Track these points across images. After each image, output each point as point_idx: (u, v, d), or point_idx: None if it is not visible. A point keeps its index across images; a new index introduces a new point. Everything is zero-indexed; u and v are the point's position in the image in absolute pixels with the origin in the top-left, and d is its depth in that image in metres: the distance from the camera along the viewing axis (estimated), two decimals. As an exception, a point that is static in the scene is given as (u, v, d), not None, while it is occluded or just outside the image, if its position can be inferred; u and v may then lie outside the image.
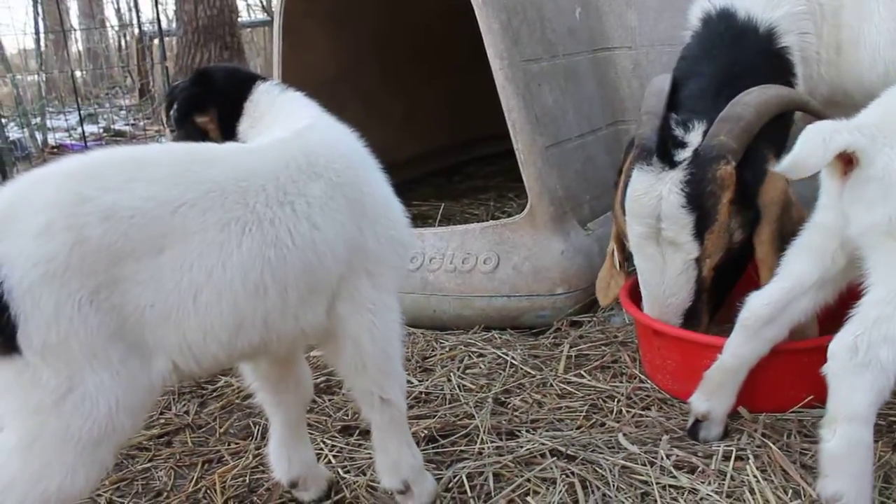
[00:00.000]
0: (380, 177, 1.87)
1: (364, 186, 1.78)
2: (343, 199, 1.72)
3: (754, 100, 2.31)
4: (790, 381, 2.31)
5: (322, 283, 1.70)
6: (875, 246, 1.87)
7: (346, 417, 2.46)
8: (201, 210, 1.55)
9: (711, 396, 2.20)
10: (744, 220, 2.32)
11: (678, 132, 2.35)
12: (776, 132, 2.44)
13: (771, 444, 2.15)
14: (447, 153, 4.82)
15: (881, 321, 1.80)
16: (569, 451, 2.18)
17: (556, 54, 3.14)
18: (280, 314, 1.64)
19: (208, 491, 2.15)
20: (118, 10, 12.19)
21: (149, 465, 2.31)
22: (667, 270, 2.36)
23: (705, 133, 2.31)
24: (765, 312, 2.11)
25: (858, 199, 1.88)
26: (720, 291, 2.46)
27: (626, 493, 2.00)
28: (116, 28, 12.22)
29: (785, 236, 2.33)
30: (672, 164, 2.31)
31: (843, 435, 1.79)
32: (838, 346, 1.83)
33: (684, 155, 2.30)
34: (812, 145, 1.86)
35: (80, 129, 7.61)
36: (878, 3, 2.54)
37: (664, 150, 2.32)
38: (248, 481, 2.17)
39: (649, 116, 2.44)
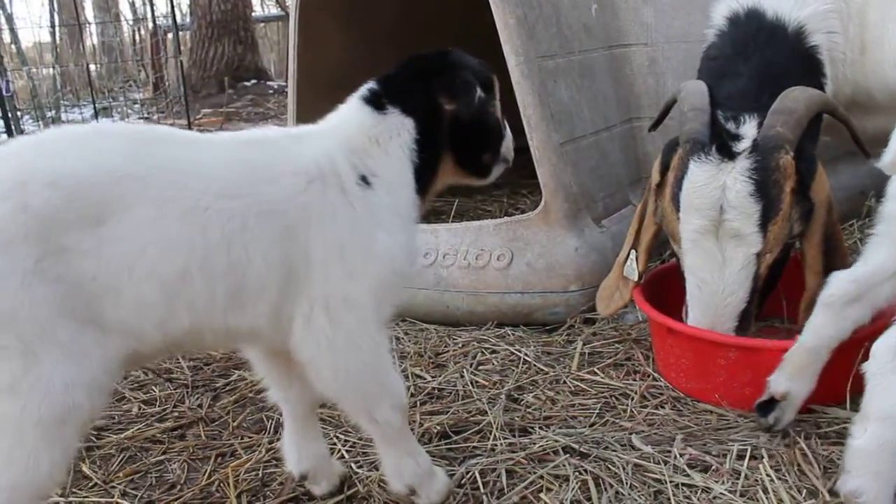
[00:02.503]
0: (378, 201, 1.74)
1: (338, 208, 1.69)
2: (298, 211, 1.65)
3: (801, 95, 2.32)
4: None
5: (252, 289, 1.63)
6: None
7: (358, 412, 2.45)
8: (143, 184, 1.53)
9: (792, 378, 2.15)
10: (801, 213, 2.32)
11: (730, 126, 2.35)
12: (813, 132, 2.44)
13: (786, 444, 2.15)
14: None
15: None
16: (582, 449, 2.17)
17: (571, 51, 3.13)
18: (206, 306, 1.60)
19: (221, 484, 2.16)
20: (133, 4, 12.23)
21: (162, 457, 2.31)
22: (726, 267, 2.32)
23: (758, 126, 2.31)
24: (851, 289, 2.04)
25: None
26: (766, 294, 2.45)
27: (639, 491, 2.00)
28: (131, 22, 12.25)
29: (828, 238, 2.34)
30: (731, 155, 2.30)
31: (874, 433, 1.77)
32: (881, 346, 1.80)
33: (742, 146, 2.30)
34: None
35: (94, 123, 7.64)
36: None
37: (721, 142, 2.31)
38: (260, 475, 2.18)
39: (696, 113, 2.41)
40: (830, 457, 2.11)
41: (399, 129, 1.80)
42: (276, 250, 1.63)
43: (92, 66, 10.03)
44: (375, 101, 1.83)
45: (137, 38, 12.16)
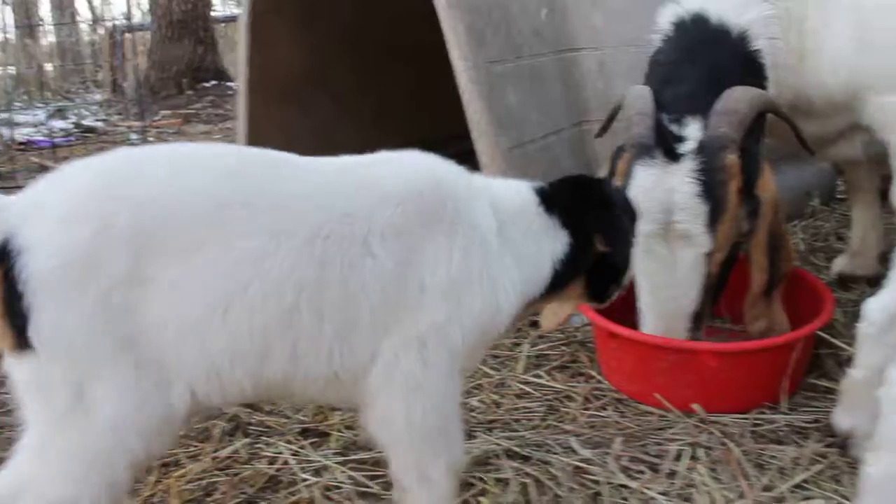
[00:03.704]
0: (487, 230, 1.64)
1: (453, 233, 1.57)
2: (414, 238, 1.54)
3: (744, 95, 2.35)
4: (746, 381, 2.34)
5: (364, 320, 1.51)
6: None
7: (304, 419, 2.46)
8: (252, 212, 1.43)
9: (851, 413, 2.12)
10: (749, 211, 2.35)
11: (675, 128, 2.38)
12: (757, 132, 2.48)
13: (722, 445, 2.19)
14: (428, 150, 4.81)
15: None
16: (523, 452, 2.20)
17: (521, 55, 3.16)
18: (310, 345, 1.49)
19: (164, 494, 2.15)
20: (90, 4, 12.09)
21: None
22: (677, 269, 2.35)
23: (702, 127, 2.34)
24: (882, 318, 2.00)
25: None
26: (717, 294, 2.49)
27: (577, 494, 2.02)
28: (88, 22, 12.12)
29: (772, 237, 2.38)
30: (676, 158, 2.33)
31: (888, 464, 1.73)
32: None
33: (688, 147, 2.33)
34: None
35: (50, 125, 7.54)
36: (839, 11, 2.57)
37: (666, 144, 2.35)
38: (204, 485, 2.17)
39: (641, 117, 2.43)
40: (765, 457, 2.16)
41: (555, 234, 1.74)
42: (394, 283, 1.52)
43: (48, 66, 9.90)
44: (544, 196, 1.77)
45: (95, 38, 12.03)
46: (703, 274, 2.35)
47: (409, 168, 1.64)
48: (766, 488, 2.02)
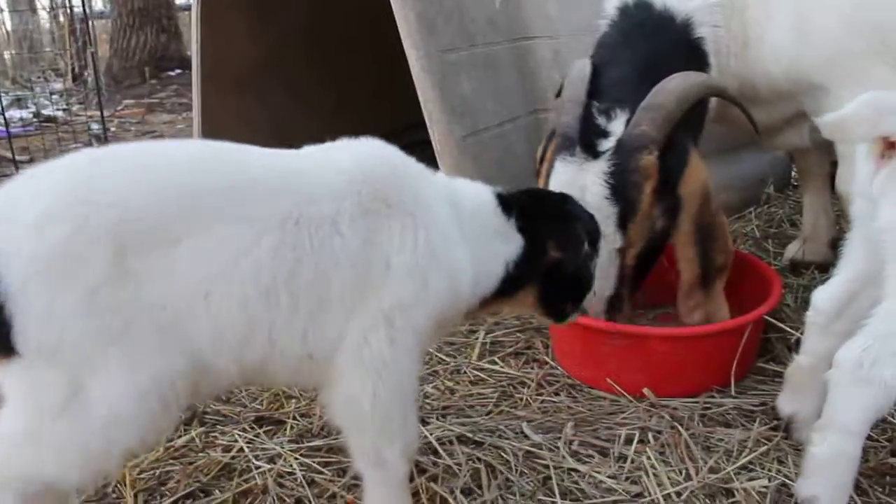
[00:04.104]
0: (439, 205, 1.69)
1: (415, 214, 1.62)
2: (380, 219, 1.58)
3: (675, 88, 2.34)
4: (696, 366, 2.38)
5: (334, 299, 1.55)
6: (893, 250, 1.76)
7: (259, 408, 2.46)
8: (226, 202, 1.45)
9: (794, 397, 2.15)
10: (665, 209, 2.37)
11: (601, 121, 2.38)
12: (694, 120, 2.49)
13: (671, 428, 2.22)
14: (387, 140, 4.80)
15: (890, 337, 1.73)
16: (476, 438, 2.22)
17: (474, 44, 3.16)
18: (286, 327, 1.52)
19: (118, 485, 2.14)
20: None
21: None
22: None
23: (628, 122, 2.34)
24: (828, 308, 2.01)
25: (889, 192, 1.78)
26: (640, 278, 2.52)
27: (528, 478, 2.05)
28: (48, 10, 11.92)
29: (702, 228, 2.40)
30: (595, 155, 2.34)
31: (832, 444, 1.77)
32: (844, 356, 1.76)
33: (608, 145, 2.34)
34: (864, 115, 1.77)
35: (8, 114, 7.41)
36: (780, 2, 2.61)
37: (587, 140, 2.35)
38: (157, 474, 2.17)
39: (571, 104, 2.44)
40: (713, 439, 2.19)
41: (510, 236, 1.79)
42: (362, 262, 1.56)
43: (6, 55, 9.72)
44: (503, 200, 1.82)
45: (55, 26, 11.84)
46: (616, 266, 2.39)
47: (367, 153, 1.67)
48: (713, 470, 2.06)
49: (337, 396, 1.64)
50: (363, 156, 1.65)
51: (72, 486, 1.49)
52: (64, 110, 8.58)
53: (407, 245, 1.60)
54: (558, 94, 2.68)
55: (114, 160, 1.47)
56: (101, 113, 5.74)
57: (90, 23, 8.12)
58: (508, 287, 1.81)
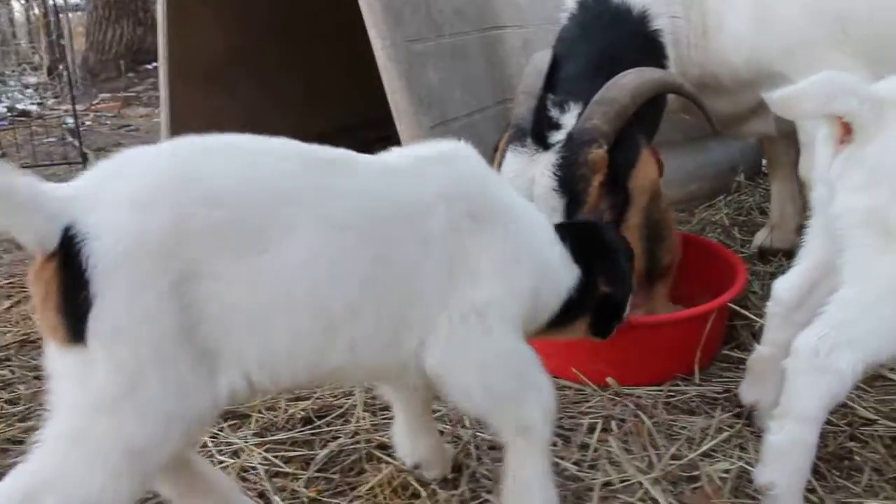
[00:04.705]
0: (528, 216, 1.76)
1: (504, 221, 1.66)
2: (469, 235, 1.60)
3: (630, 83, 2.33)
4: (660, 354, 2.39)
5: (418, 312, 1.56)
6: (851, 237, 1.77)
7: (225, 401, 2.45)
8: (322, 213, 1.43)
9: (756, 387, 2.16)
10: (613, 203, 2.35)
11: (554, 113, 2.37)
12: (650, 115, 2.50)
13: (634, 416, 2.23)
14: (353, 133, 4.79)
15: (846, 325, 1.74)
16: (441, 427, 2.21)
17: (441, 34, 3.16)
18: (368, 340, 1.51)
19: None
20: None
21: (21, 459, 2.26)
22: None
23: (580, 115, 2.34)
24: (789, 297, 2.03)
25: (845, 177, 1.79)
26: None
27: (488, 466, 2.05)
28: (22, 2, 11.81)
29: (650, 226, 2.40)
30: (546, 146, 2.33)
31: (789, 432, 1.78)
32: (801, 344, 1.76)
33: (558, 137, 2.33)
34: (816, 91, 1.77)
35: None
36: None
37: (539, 131, 2.35)
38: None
39: (526, 96, 2.45)
40: (675, 427, 2.20)
41: (568, 264, 1.84)
42: (446, 274, 1.57)
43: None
44: (561, 230, 1.87)
45: (30, 18, 11.73)
46: None
47: (459, 168, 1.67)
48: (675, 457, 2.07)
49: (453, 395, 1.65)
50: (455, 171, 1.65)
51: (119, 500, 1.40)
52: (39, 104, 8.52)
53: (496, 250, 1.63)
54: None
55: (219, 152, 1.44)
56: (74, 107, 5.69)
57: (65, 15, 8.06)
58: (565, 316, 1.86)
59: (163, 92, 3.64)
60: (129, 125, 7.96)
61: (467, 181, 1.64)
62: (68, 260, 1.28)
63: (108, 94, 9.75)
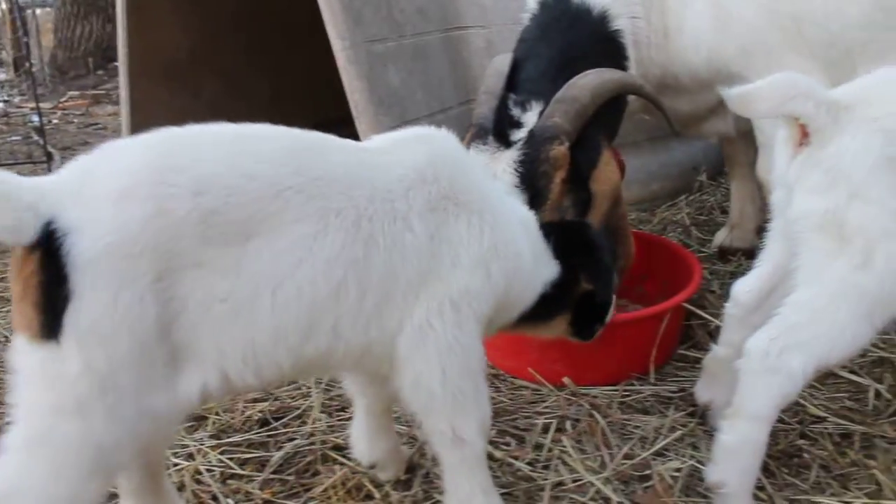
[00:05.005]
0: (503, 205, 1.76)
1: (482, 212, 1.66)
2: (448, 216, 1.62)
3: (590, 83, 2.34)
4: (615, 354, 2.40)
5: (399, 291, 1.57)
6: (806, 240, 1.80)
7: (182, 403, 2.44)
8: (306, 197, 1.44)
9: (711, 387, 2.17)
10: (575, 201, 2.36)
11: (515, 112, 2.38)
12: (610, 116, 2.51)
13: (589, 416, 2.24)
14: (321, 131, 4.77)
15: (797, 327, 1.76)
16: (397, 426, 2.21)
17: (403, 34, 3.16)
18: (352, 321, 1.52)
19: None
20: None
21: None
22: None
23: (541, 114, 2.35)
24: (747, 300, 2.04)
25: (802, 180, 1.81)
26: None
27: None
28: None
29: (608, 229, 2.42)
30: (507, 144, 2.34)
31: (740, 432, 1.80)
32: (754, 345, 1.79)
33: (520, 135, 2.34)
34: (772, 90, 1.80)
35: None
36: None
37: (500, 129, 2.35)
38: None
39: (487, 96, 2.46)
40: (630, 426, 2.22)
41: (548, 260, 1.85)
42: (428, 255, 1.59)
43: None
44: (545, 227, 1.89)
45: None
46: None
47: (437, 152, 1.67)
48: (627, 456, 2.09)
49: (405, 381, 1.64)
50: (433, 155, 1.66)
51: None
52: (5, 102, 8.42)
53: (474, 239, 1.64)
54: None
55: (202, 141, 1.44)
56: (38, 105, 5.63)
57: (32, 11, 7.95)
58: (543, 312, 1.86)
59: (123, 91, 3.62)
60: (96, 123, 7.87)
61: (445, 163, 1.65)
62: (49, 255, 1.27)
63: (76, 92, 9.64)
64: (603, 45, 2.53)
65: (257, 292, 1.40)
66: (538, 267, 1.83)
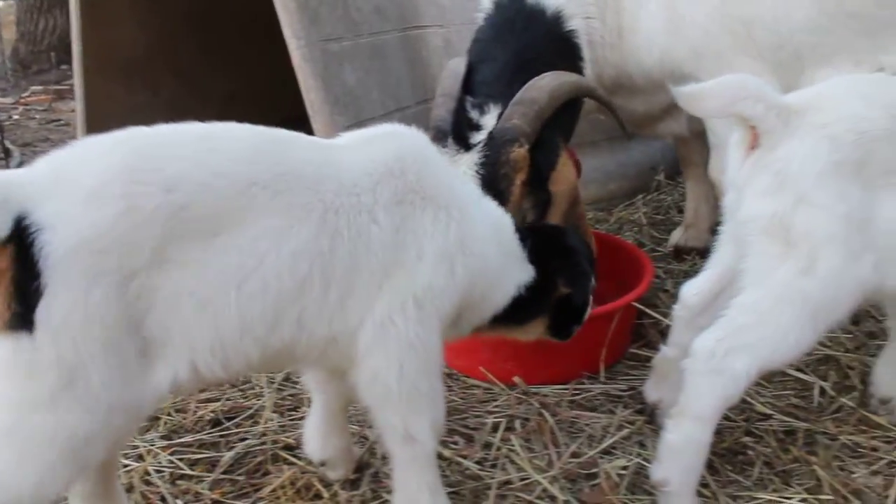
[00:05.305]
0: (470, 204, 1.76)
1: (449, 207, 1.68)
2: (414, 209, 1.64)
3: (548, 84, 2.36)
4: (565, 353, 2.41)
5: (363, 284, 1.58)
6: (753, 243, 1.82)
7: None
8: (272, 193, 1.46)
9: (660, 386, 2.19)
10: (535, 203, 2.39)
11: (474, 115, 2.39)
12: (566, 118, 2.52)
13: (538, 415, 2.26)
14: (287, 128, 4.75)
15: (742, 330, 1.79)
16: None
17: (360, 33, 3.16)
18: (316, 313, 1.54)
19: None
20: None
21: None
22: None
23: (500, 116, 2.36)
24: (695, 302, 2.06)
25: (752, 182, 1.83)
26: None
27: (391, 466, 2.06)
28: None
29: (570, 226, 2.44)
30: (467, 147, 2.35)
31: (684, 431, 1.82)
32: (700, 345, 1.81)
33: (479, 138, 2.35)
34: (721, 90, 1.82)
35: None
36: None
37: (459, 132, 2.36)
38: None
39: (445, 99, 2.46)
40: (579, 425, 2.25)
41: (523, 264, 1.87)
42: (392, 248, 1.60)
43: None
44: (520, 232, 1.90)
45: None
46: None
47: (404, 147, 1.70)
48: (575, 454, 2.11)
49: (362, 374, 1.65)
50: (402, 150, 1.68)
51: (53, 496, 1.40)
52: (-35, 97, 8.29)
53: (439, 234, 1.65)
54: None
55: (172, 140, 1.46)
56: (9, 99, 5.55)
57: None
58: (518, 314, 1.89)
59: (78, 89, 3.58)
60: (59, 119, 7.78)
61: (414, 158, 1.68)
62: (21, 250, 1.29)
63: (39, 87, 9.52)
64: (558, 46, 2.55)
65: (224, 286, 1.43)
66: (510, 269, 1.85)
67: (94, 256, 1.31)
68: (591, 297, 2.03)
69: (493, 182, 2.31)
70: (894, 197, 1.80)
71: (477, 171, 2.31)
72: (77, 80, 3.59)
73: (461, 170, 2.32)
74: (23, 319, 1.29)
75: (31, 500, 1.37)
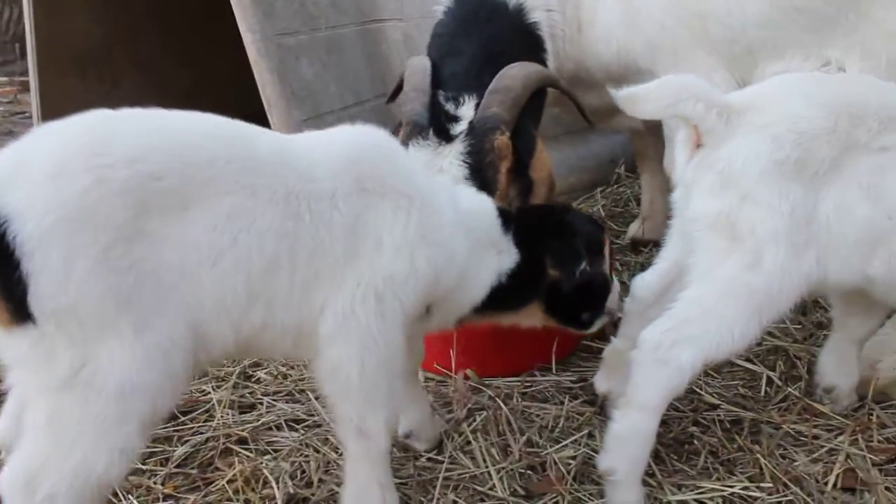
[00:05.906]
0: (434, 195, 1.77)
1: (410, 196, 1.69)
2: (375, 197, 1.65)
3: (519, 73, 2.39)
4: (517, 345, 2.45)
5: (326, 271, 1.60)
6: (700, 238, 1.86)
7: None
8: (238, 169, 1.49)
9: (610, 378, 2.20)
10: (519, 190, 2.41)
11: (449, 107, 2.40)
12: (535, 107, 2.54)
13: (489, 407, 2.29)
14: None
15: (688, 322, 1.82)
16: (304, 421, 2.26)
17: (317, 27, 3.15)
18: (285, 297, 1.56)
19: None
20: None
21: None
22: None
23: (476, 106, 2.38)
24: (645, 295, 2.09)
25: (698, 180, 1.86)
26: None
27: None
28: None
29: None
30: (448, 138, 2.36)
31: (631, 421, 1.84)
32: (647, 336, 1.84)
33: (459, 129, 2.36)
34: (660, 92, 1.85)
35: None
36: None
37: (439, 124, 2.37)
38: None
39: (416, 94, 2.46)
40: (530, 416, 2.28)
41: (505, 249, 1.87)
42: (355, 236, 1.62)
43: None
44: (504, 217, 1.90)
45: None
46: None
47: (363, 139, 1.75)
48: (529, 443, 2.14)
49: (323, 364, 1.67)
50: (359, 141, 1.72)
51: (104, 479, 1.43)
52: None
53: (399, 224, 1.66)
54: (399, 88, 2.68)
55: (132, 121, 1.47)
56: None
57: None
58: (506, 300, 1.89)
59: (32, 82, 3.55)
60: (23, 112, 7.68)
61: (376, 150, 1.72)
62: None
63: (4, 79, 9.38)
64: (522, 38, 2.57)
65: (199, 263, 1.45)
66: (485, 257, 1.85)
67: (69, 235, 1.32)
68: (600, 278, 1.99)
69: (481, 170, 2.33)
70: (834, 194, 1.84)
71: (464, 161, 2.33)
72: (32, 72, 3.56)
73: (447, 160, 2.34)
74: (19, 312, 1.32)
75: (83, 483, 1.41)
